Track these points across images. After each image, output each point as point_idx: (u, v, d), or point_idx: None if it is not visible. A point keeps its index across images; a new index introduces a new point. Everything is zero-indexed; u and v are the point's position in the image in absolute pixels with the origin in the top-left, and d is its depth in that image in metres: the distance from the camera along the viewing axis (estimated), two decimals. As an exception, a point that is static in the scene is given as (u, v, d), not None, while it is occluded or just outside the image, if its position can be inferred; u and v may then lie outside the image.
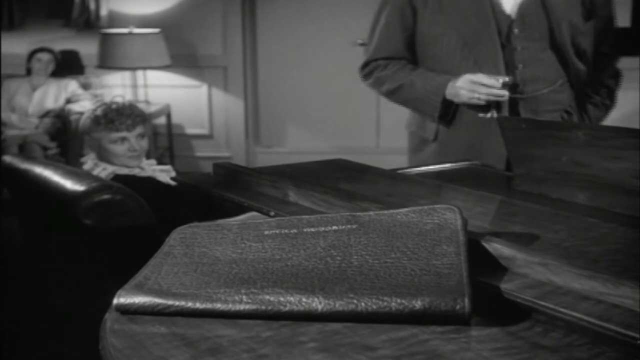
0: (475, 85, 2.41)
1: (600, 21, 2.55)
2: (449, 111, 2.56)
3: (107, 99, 6.51)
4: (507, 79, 2.41)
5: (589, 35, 2.54)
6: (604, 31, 2.57)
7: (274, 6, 6.63)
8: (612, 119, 2.66)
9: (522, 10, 2.49)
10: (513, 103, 2.51)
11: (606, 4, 2.56)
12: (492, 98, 2.41)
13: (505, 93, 2.40)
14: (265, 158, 6.60)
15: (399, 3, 2.62)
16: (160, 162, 3.80)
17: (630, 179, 1.72)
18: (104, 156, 3.09)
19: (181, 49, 6.44)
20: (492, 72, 2.47)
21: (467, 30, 2.49)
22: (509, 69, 2.49)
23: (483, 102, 2.42)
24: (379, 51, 2.70)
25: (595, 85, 2.65)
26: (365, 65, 2.75)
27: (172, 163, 6.23)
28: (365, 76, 2.77)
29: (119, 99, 3.39)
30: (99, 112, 3.12)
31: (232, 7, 6.49)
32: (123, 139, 3.08)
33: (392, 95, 2.68)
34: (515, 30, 2.48)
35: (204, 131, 6.75)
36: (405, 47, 2.65)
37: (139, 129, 3.14)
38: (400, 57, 2.66)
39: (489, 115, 2.41)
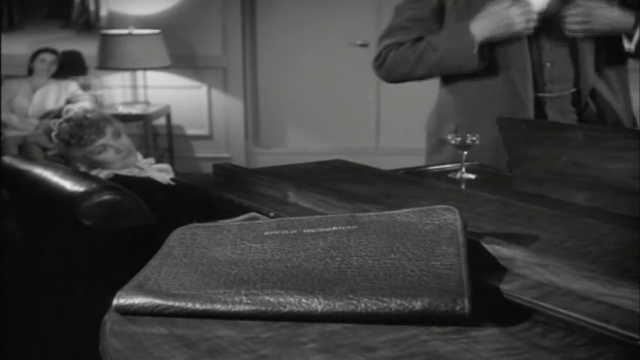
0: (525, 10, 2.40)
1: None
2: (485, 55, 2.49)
3: (107, 100, 6.53)
4: None
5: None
6: None
7: (274, 7, 6.63)
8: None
9: (550, 9, 2.47)
10: (539, 102, 2.48)
11: None
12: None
13: None
14: (265, 159, 6.59)
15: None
16: (159, 162, 3.78)
17: (629, 180, 1.72)
18: (98, 165, 3.05)
19: (181, 50, 6.43)
20: (520, 70, 2.45)
21: None
22: (536, 67, 2.47)
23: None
24: (396, 25, 2.60)
25: None
26: (379, 54, 2.63)
27: (171, 164, 6.21)
28: (380, 65, 2.64)
29: (70, 113, 3.22)
30: (62, 135, 3.02)
31: (231, 8, 6.48)
32: (103, 146, 3.01)
33: (417, 67, 2.55)
34: (544, 29, 2.47)
35: (203, 132, 6.74)
36: (433, 17, 2.55)
37: (109, 130, 3.05)
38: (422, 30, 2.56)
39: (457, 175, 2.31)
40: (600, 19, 2.39)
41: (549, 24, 2.45)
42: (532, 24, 2.41)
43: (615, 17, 2.40)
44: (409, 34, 2.57)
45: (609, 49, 2.48)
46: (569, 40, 2.46)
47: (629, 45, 2.42)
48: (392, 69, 2.63)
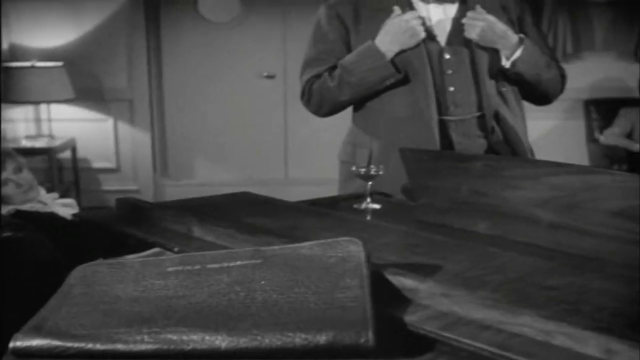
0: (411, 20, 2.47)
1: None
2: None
3: (10, 134, 6.38)
4: None
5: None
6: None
7: (180, 39, 6.60)
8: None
9: (451, 36, 2.53)
10: (444, 126, 2.52)
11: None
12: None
13: None
14: (174, 191, 6.53)
15: (332, 22, 2.60)
16: (64, 196, 3.70)
17: (527, 208, 1.75)
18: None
19: (86, 83, 6.34)
20: (423, 93, 2.49)
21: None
22: (439, 91, 2.51)
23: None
24: (311, 58, 2.64)
25: None
26: (303, 90, 2.66)
27: (78, 198, 6.10)
28: (307, 101, 2.67)
29: None
30: None
31: (136, 40, 6.43)
32: (3, 181, 2.93)
33: (341, 93, 2.57)
34: (446, 55, 2.52)
35: (110, 165, 6.65)
36: (344, 47, 2.60)
37: (10, 164, 2.98)
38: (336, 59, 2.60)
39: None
40: (495, 28, 2.47)
41: (451, 50, 2.51)
42: (423, 28, 2.48)
43: (503, 29, 2.49)
44: (325, 63, 2.61)
45: (504, 72, 2.54)
46: (471, 63, 2.52)
47: (504, 62, 2.50)
48: (319, 101, 2.65)
